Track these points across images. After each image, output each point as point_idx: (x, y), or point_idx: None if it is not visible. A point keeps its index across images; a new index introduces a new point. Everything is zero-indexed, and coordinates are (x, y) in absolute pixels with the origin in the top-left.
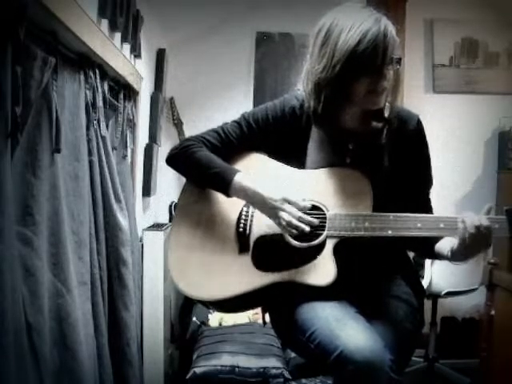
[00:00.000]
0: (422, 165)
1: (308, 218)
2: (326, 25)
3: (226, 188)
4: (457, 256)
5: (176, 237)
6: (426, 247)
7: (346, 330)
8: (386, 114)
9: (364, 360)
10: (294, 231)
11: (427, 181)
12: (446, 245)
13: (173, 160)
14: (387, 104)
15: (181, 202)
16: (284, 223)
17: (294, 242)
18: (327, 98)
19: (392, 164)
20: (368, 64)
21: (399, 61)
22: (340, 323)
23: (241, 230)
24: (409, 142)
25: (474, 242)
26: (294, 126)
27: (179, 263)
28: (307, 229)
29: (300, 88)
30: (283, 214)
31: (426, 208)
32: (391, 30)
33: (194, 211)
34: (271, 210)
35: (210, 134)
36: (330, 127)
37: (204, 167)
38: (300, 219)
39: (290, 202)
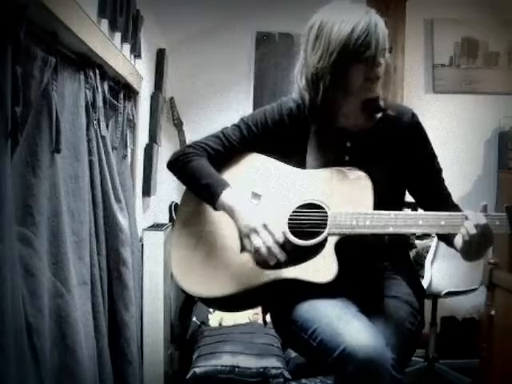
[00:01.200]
0: (425, 156)
1: (278, 251)
2: (317, 21)
3: (213, 203)
4: (464, 254)
5: (178, 236)
6: (447, 239)
7: (349, 328)
8: (382, 104)
9: (367, 358)
10: (260, 258)
11: (436, 169)
12: (458, 242)
13: (172, 166)
14: (381, 98)
15: (183, 202)
16: (252, 248)
17: (296, 240)
18: (325, 87)
19: (391, 159)
20: (363, 51)
21: (390, 50)
22: (342, 321)
23: None
24: (406, 135)
25: (475, 240)
26: (293, 127)
27: (181, 262)
28: (272, 262)
29: (296, 86)
30: (255, 240)
31: (444, 195)
32: (380, 21)
33: (196, 211)
34: (246, 231)
35: (210, 139)
36: (327, 123)
37: (196, 178)
38: (269, 250)
39: (268, 230)
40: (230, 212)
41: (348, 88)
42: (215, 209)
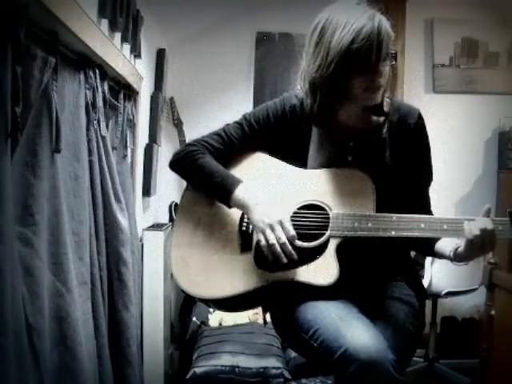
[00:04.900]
0: (422, 160)
1: (290, 249)
2: (320, 23)
3: (227, 199)
4: (460, 257)
5: (178, 236)
6: (425, 245)
7: (351, 329)
8: (386, 109)
9: (368, 359)
10: (271, 257)
11: (428, 177)
12: (448, 245)
13: (176, 165)
14: (386, 99)
15: (183, 202)
16: (266, 244)
17: (297, 242)
18: (322, 97)
19: (394, 160)
20: (362, 63)
21: (395, 56)
22: (344, 322)
23: (244, 228)
24: (410, 136)
25: (479, 244)
26: (295, 124)
27: (181, 262)
28: (283, 260)
29: (299, 87)
30: (270, 235)
31: (426, 205)
32: (385, 25)
33: (196, 210)
34: (261, 227)
35: (212, 138)
36: (329, 126)
37: (206, 176)
38: (282, 246)
39: (283, 227)
40: (245, 208)
41: (347, 97)
42: (229, 206)
